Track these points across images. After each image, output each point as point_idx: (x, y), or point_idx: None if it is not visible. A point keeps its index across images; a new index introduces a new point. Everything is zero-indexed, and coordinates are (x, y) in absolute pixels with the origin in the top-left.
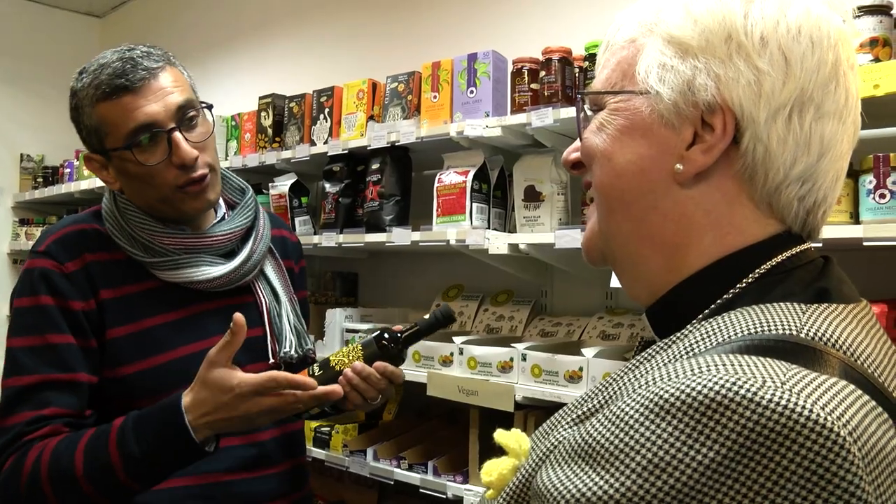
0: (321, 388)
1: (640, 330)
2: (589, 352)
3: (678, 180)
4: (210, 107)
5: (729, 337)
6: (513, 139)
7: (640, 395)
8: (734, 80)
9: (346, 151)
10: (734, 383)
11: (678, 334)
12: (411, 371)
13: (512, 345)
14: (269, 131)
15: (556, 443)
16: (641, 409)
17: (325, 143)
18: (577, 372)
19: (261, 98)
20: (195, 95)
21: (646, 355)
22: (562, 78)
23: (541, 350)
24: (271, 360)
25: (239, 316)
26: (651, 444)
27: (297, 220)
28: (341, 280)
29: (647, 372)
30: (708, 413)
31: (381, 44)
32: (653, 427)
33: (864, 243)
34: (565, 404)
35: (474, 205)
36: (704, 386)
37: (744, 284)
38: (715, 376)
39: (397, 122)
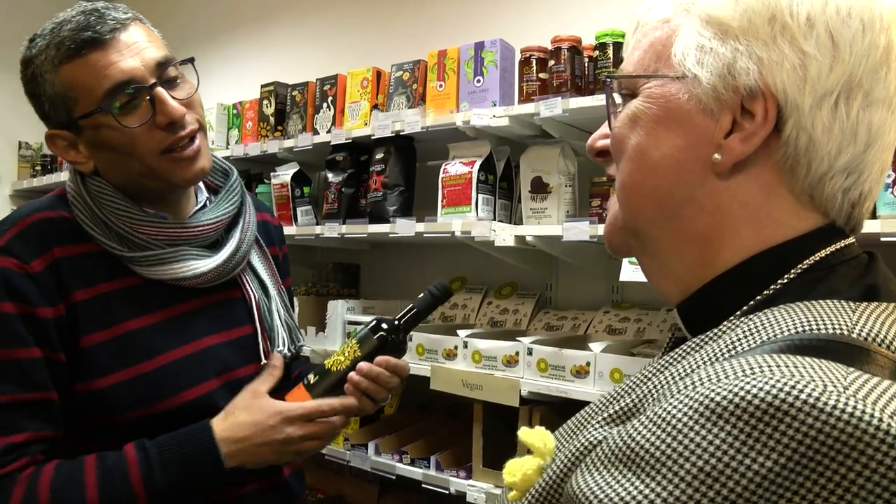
0: (340, 406)
1: (646, 325)
2: (596, 346)
3: (715, 171)
4: (191, 60)
5: (774, 335)
6: (520, 129)
7: (687, 396)
8: (778, 64)
9: (349, 141)
10: (793, 387)
11: (715, 331)
12: (414, 364)
13: (518, 339)
14: (272, 120)
15: (587, 444)
16: (690, 413)
17: (329, 132)
18: (584, 367)
19: (263, 86)
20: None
21: (680, 352)
22: (571, 67)
23: (547, 344)
24: (264, 361)
25: (276, 355)
26: (702, 450)
27: (298, 209)
28: (342, 271)
29: (686, 371)
30: (765, 418)
31: (385, 32)
32: (703, 432)
33: (882, 238)
34: (572, 400)
35: (480, 196)
36: (760, 389)
37: (785, 280)
38: (770, 378)
39: (402, 112)
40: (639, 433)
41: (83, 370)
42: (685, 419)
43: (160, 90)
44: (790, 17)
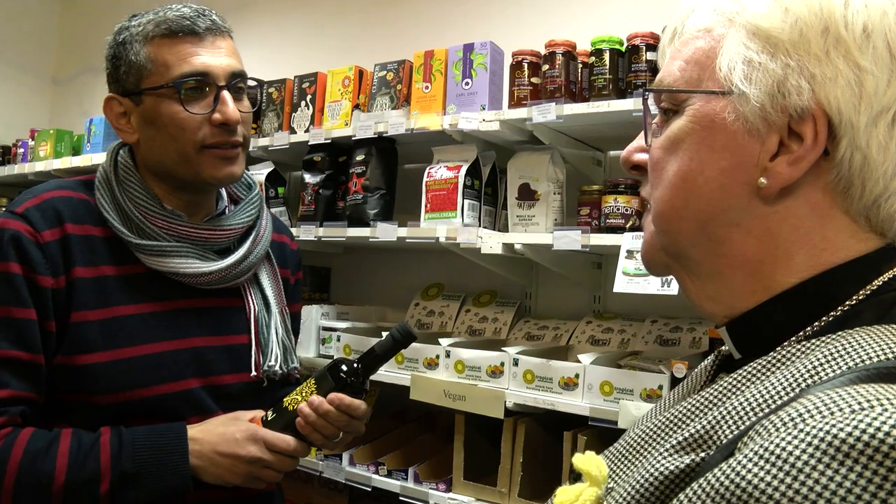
0: (289, 448)
1: (630, 336)
2: (585, 358)
3: (761, 195)
4: (262, 84)
5: (861, 361)
6: (509, 134)
7: (801, 430)
8: (831, 81)
9: (328, 141)
10: None
11: (783, 353)
12: (394, 373)
13: (503, 349)
14: None
15: (662, 474)
16: (810, 450)
17: (307, 131)
18: (572, 379)
19: None
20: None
21: (747, 376)
22: (566, 73)
23: (530, 355)
24: (253, 374)
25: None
26: (830, 492)
27: (272, 210)
28: (313, 275)
29: (767, 398)
30: None
31: (368, 30)
32: (829, 472)
33: None
34: (559, 412)
35: (466, 201)
36: (885, 423)
37: (854, 302)
38: (893, 412)
39: (385, 112)
40: (749, 471)
41: (69, 344)
42: (805, 457)
43: (226, 92)
44: (845, 29)
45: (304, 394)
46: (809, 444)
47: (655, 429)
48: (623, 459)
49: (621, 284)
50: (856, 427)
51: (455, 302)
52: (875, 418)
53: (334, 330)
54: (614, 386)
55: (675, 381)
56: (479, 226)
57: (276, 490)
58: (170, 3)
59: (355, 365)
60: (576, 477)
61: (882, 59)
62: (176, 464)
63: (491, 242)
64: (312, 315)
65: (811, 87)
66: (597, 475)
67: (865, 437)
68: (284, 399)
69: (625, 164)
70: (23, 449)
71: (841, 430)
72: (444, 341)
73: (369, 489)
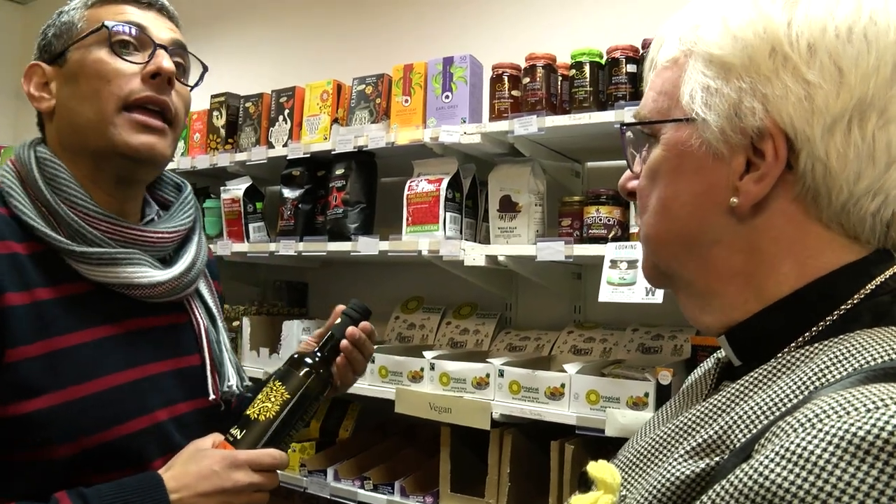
0: (276, 461)
1: (612, 345)
2: (571, 368)
3: (736, 214)
4: (205, 69)
5: (866, 362)
6: (490, 147)
7: (820, 430)
8: (782, 98)
9: (307, 155)
10: None
11: (787, 358)
12: (377, 387)
13: (488, 360)
14: (222, 132)
15: (678, 479)
16: (831, 448)
17: (285, 145)
18: (558, 388)
19: (213, 97)
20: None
21: (754, 381)
22: (546, 85)
23: (514, 365)
24: (212, 397)
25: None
26: (854, 489)
27: (251, 225)
28: (290, 290)
29: (777, 402)
30: None
31: (346, 44)
32: (851, 469)
33: None
34: (546, 421)
35: (448, 214)
36: None
37: (849, 306)
38: None
39: (365, 126)
40: (772, 471)
41: (7, 389)
42: (826, 455)
43: (162, 50)
44: (790, 48)
45: (273, 399)
46: (830, 443)
47: (666, 437)
48: (634, 468)
49: (606, 294)
50: (874, 426)
51: (435, 315)
52: (892, 416)
53: None
54: (600, 394)
55: (660, 388)
56: (461, 238)
57: None
58: None
59: (318, 354)
60: (584, 486)
61: (828, 72)
62: None
63: (474, 255)
64: (293, 330)
65: (764, 107)
66: (611, 483)
67: (885, 435)
68: (249, 412)
69: (622, 190)
70: None
71: (860, 428)
72: (429, 354)
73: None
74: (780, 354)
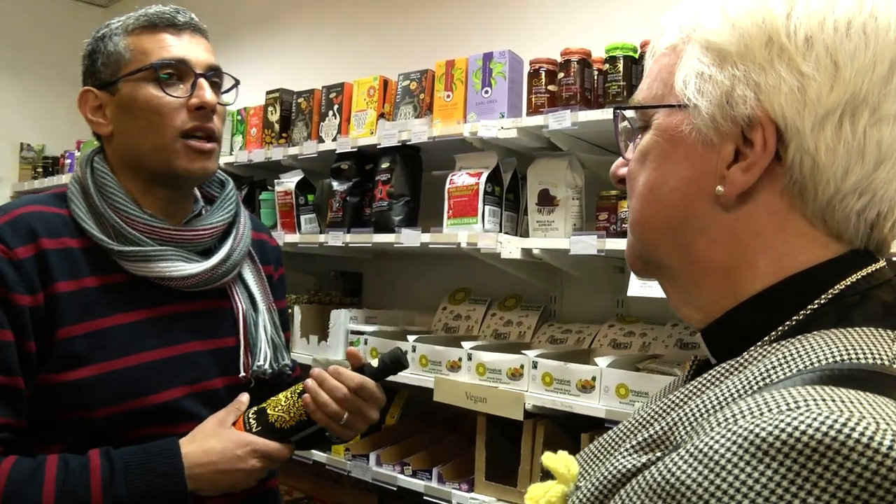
0: (285, 456)
1: (651, 339)
2: (602, 361)
3: (721, 203)
4: (237, 83)
5: (811, 364)
6: (527, 141)
7: (729, 430)
8: (775, 88)
9: (355, 149)
10: (844, 424)
11: (745, 357)
12: (418, 375)
13: (522, 352)
14: (276, 127)
15: (616, 472)
16: (734, 448)
17: (334, 139)
18: (589, 381)
19: (268, 93)
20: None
21: (710, 379)
22: (580, 80)
23: (551, 358)
24: (242, 374)
25: (244, 394)
26: (748, 489)
27: (302, 217)
28: (345, 280)
29: (720, 399)
30: (815, 457)
31: (392, 41)
32: (749, 469)
33: None
34: (577, 414)
35: (487, 207)
36: (809, 425)
37: (815, 306)
38: (818, 413)
39: (409, 121)
40: (679, 468)
41: (55, 361)
42: (729, 455)
43: (203, 80)
44: (787, 39)
45: (291, 414)
46: (735, 442)
47: (625, 429)
48: (595, 459)
49: (635, 288)
50: (776, 426)
51: (481, 306)
52: (796, 418)
53: (361, 333)
54: (630, 388)
55: None
56: (500, 231)
57: (275, 488)
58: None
59: None
60: (546, 475)
61: (824, 65)
62: (174, 486)
63: (510, 248)
64: (341, 319)
65: (756, 96)
66: (564, 473)
67: (783, 437)
68: (269, 410)
69: (612, 178)
70: (5, 478)
71: (763, 429)
72: (467, 344)
73: (395, 489)
74: (744, 353)
